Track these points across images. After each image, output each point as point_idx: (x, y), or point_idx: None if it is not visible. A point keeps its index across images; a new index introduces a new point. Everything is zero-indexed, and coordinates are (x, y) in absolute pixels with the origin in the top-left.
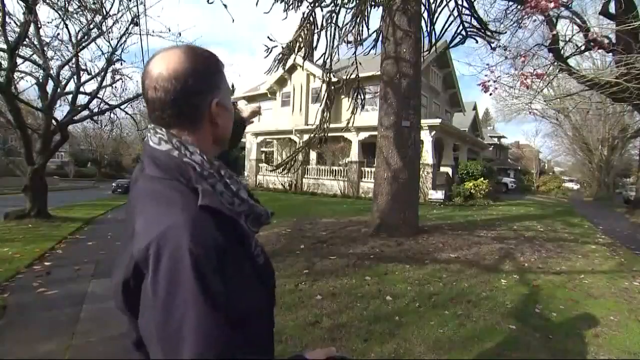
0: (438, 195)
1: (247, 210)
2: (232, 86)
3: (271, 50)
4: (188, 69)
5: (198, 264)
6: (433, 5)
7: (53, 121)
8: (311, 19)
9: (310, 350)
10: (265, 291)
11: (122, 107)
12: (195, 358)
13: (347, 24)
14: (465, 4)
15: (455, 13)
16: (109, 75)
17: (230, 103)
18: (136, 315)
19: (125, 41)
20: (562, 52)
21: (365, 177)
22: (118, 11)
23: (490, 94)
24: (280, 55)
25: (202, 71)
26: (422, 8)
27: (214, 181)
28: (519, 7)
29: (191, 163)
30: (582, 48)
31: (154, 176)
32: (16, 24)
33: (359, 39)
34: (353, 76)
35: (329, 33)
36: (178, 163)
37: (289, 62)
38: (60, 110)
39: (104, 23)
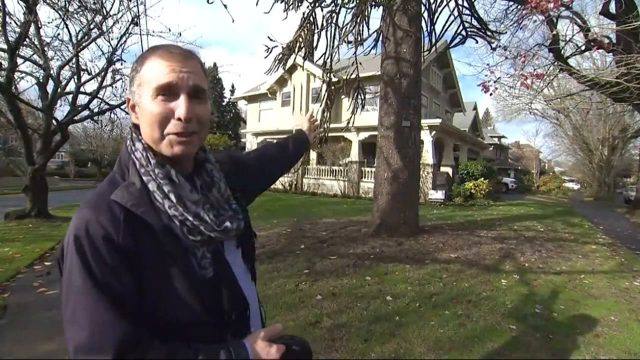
0: (438, 195)
1: (179, 216)
2: (233, 86)
3: (271, 50)
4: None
5: (83, 254)
6: (433, 5)
7: (53, 121)
8: (311, 19)
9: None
10: (200, 306)
11: (123, 107)
12: (71, 343)
13: (347, 24)
14: (465, 4)
15: (456, 13)
16: (109, 75)
17: (144, 99)
18: None
19: (125, 41)
20: (562, 52)
21: (365, 177)
22: (118, 11)
23: (491, 94)
24: (281, 55)
25: (132, 67)
26: (423, 8)
27: (148, 179)
28: (519, 7)
29: (133, 158)
30: (583, 48)
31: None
32: (16, 24)
33: (359, 39)
34: (353, 76)
35: (329, 33)
36: (126, 157)
37: (289, 62)
38: (61, 110)
39: (104, 23)
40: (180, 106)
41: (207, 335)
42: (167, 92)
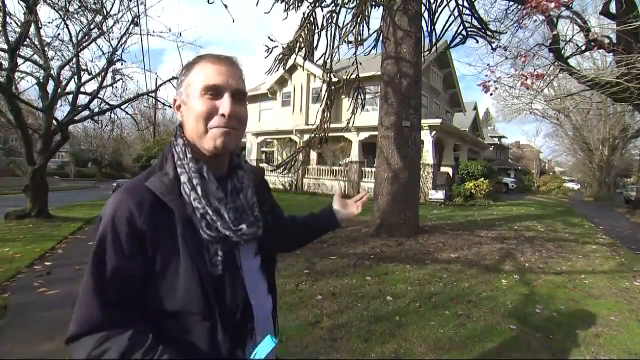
0: (438, 195)
1: (201, 209)
2: None
3: (271, 51)
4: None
5: (104, 234)
6: (433, 5)
7: (53, 121)
8: (311, 19)
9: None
10: (201, 299)
11: (123, 107)
12: (77, 313)
13: (347, 24)
14: (465, 3)
15: (456, 13)
16: (109, 75)
17: (195, 98)
18: None
19: (125, 41)
20: (562, 52)
21: (365, 177)
22: (118, 11)
23: (491, 94)
24: (281, 55)
25: (181, 72)
26: (423, 8)
27: (182, 171)
28: (519, 7)
29: (173, 151)
30: (583, 48)
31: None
32: (17, 24)
33: (359, 38)
34: (353, 76)
35: (329, 33)
36: (168, 149)
37: (290, 62)
38: (61, 110)
39: (104, 23)
40: (223, 104)
41: (198, 331)
42: (213, 91)
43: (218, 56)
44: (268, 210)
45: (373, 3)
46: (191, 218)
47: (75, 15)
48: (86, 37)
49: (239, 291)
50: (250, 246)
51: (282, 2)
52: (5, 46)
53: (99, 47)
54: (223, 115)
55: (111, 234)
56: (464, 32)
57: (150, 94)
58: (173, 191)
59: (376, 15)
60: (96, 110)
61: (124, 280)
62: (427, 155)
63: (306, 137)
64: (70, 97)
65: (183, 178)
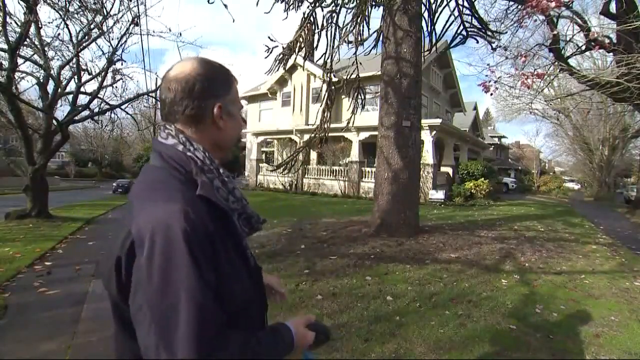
0: (438, 195)
1: (239, 209)
2: None
3: (272, 51)
4: (197, 74)
5: (191, 245)
6: (433, 5)
7: (54, 121)
8: (312, 19)
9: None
10: (256, 289)
11: (123, 107)
12: (192, 332)
13: (347, 24)
14: (465, 3)
15: (456, 13)
16: (109, 75)
17: (238, 113)
18: (124, 298)
19: (125, 41)
20: (562, 52)
21: (365, 177)
22: (119, 11)
23: (491, 94)
24: (281, 55)
25: (209, 77)
26: (423, 8)
27: (212, 177)
28: (519, 6)
29: (194, 157)
30: (583, 48)
31: (156, 165)
32: (17, 24)
33: (359, 38)
34: (353, 76)
35: (329, 33)
36: (181, 156)
37: (290, 62)
38: (61, 110)
39: (104, 23)
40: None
41: (256, 317)
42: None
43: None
44: None
45: (373, 3)
46: (231, 217)
47: (76, 15)
48: (86, 37)
49: (261, 279)
50: None
51: (282, 2)
52: (5, 46)
53: (99, 47)
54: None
55: (197, 246)
56: (464, 32)
57: (151, 94)
58: (214, 195)
59: (376, 15)
60: (96, 110)
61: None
62: (427, 155)
63: (306, 137)
64: (70, 97)
65: (216, 183)
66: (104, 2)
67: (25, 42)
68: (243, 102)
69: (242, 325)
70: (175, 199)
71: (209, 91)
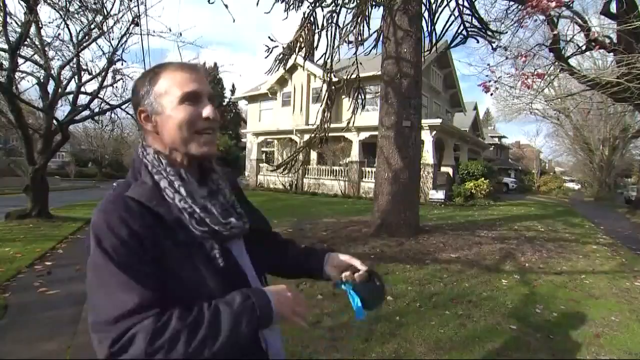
0: (439, 195)
1: (188, 208)
2: (233, 86)
3: (272, 51)
4: (132, 87)
5: (100, 239)
6: (434, 5)
7: (54, 121)
8: (312, 19)
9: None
10: (229, 289)
11: (123, 107)
12: (92, 320)
13: (347, 24)
14: (466, 3)
15: (456, 13)
16: (109, 75)
17: (171, 102)
18: None
19: (126, 41)
20: (563, 52)
21: (365, 177)
22: (119, 11)
23: (491, 94)
24: (281, 55)
25: (135, 85)
26: (423, 8)
27: (160, 177)
28: (519, 6)
29: (144, 162)
30: (583, 48)
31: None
32: (17, 24)
33: (359, 39)
34: (354, 76)
35: (329, 33)
36: (138, 161)
37: (290, 62)
38: (61, 110)
39: (104, 23)
40: (206, 108)
41: None
42: (193, 98)
43: (183, 64)
44: (249, 211)
45: (373, 3)
46: (180, 218)
47: (76, 15)
48: (86, 37)
49: (242, 282)
50: (240, 243)
51: (282, 2)
52: (5, 46)
53: (99, 47)
54: (208, 118)
55: (112, 239)
56: (464, 32)
57: None
58: (155, 197)
59: (376, 15)
60: (96, 110)
61: (147, 276)
62: (427, 155)
63: (306, 137)
64: (70, 97)
65: (163, 183)
66: (104, 2)
67: (26, 42)
68: (243, 102)
69: None
70: (107, 201)
71: (135, 100)
